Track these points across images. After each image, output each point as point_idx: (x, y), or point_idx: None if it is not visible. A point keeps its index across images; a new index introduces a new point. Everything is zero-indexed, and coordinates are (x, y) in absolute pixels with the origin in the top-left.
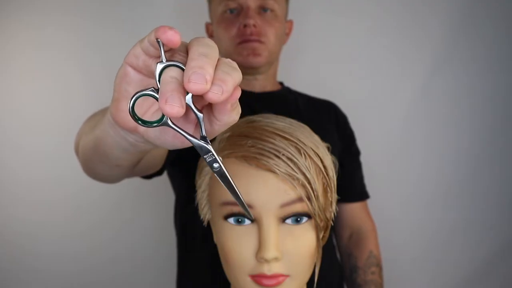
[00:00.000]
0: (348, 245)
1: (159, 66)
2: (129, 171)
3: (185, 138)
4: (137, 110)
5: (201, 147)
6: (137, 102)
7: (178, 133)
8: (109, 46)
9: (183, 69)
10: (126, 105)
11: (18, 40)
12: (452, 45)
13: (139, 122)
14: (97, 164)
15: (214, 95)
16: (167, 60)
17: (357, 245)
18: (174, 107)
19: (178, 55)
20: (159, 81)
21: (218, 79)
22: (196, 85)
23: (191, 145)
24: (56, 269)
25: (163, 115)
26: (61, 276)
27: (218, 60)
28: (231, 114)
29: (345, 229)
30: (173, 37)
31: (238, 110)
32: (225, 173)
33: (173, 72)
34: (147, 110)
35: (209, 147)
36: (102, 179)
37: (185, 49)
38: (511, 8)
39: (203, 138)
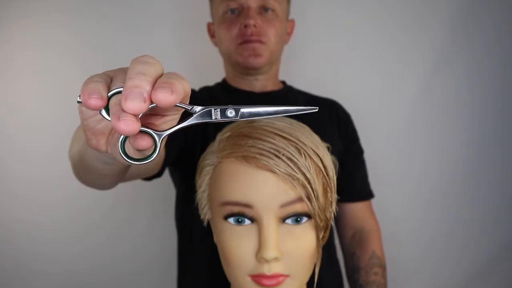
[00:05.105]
0: (351, 245)
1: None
2: (119, 179)
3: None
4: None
5: (200, 115)
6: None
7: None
8: (109, 46)
9: None
10: (91, 135)
11: (18, 40)
12: (452, 45)
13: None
14: (86, 174)
15: (163, 95)
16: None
17: (360, 245)
18: (128, 123)
19: (120, 83)
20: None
21: (163, 83)
22: (133, 103)
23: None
24: (55, 270)
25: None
26: (61, 277)
27: (163, 74)
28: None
29: (348, 229)
30: (95, 103)
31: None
32: (249, 111)
33: (118, 97)
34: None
35: (199, 108)
36: (94, 187)
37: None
38: (511, 8)
39: (191, 114)
